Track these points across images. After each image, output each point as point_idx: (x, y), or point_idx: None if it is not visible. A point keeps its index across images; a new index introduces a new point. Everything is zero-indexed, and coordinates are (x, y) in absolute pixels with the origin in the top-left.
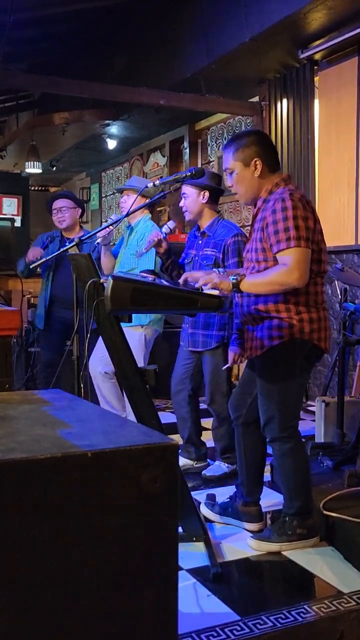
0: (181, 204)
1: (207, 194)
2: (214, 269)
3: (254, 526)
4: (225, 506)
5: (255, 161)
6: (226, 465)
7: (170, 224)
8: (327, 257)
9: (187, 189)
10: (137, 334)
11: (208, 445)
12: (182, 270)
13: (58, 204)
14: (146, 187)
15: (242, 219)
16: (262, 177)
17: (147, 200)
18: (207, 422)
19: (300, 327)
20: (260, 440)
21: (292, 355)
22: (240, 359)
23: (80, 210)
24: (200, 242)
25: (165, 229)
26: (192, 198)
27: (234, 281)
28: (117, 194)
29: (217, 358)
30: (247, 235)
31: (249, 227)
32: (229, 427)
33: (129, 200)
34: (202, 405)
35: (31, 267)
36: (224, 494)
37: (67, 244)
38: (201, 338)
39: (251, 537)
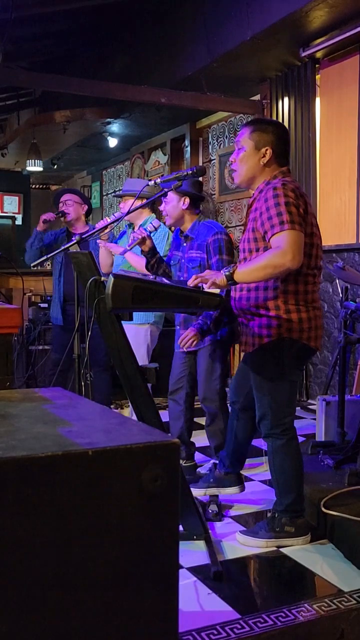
0: (161, 207)
1: (187, 200)
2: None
3: (235, 489)
4: (206, 479)
5: (267, 149)
6: None
7: (155, 222)
8: (322, 253)
9: (168, 194)
10: (143, 330)
11: (201, 444)
12: (168, 268)
13: (64, 197)
14: (147, 185)
15: (244, 217)
16: (267, 166)
17: (146, 200)
18: (200, 420)
19: (288, 326)
20: (252, 425)
21: (281, 354)
22: (194, 340)
23: (86, 207)
24: (184, 244)
25: (149, 227)
26: (172, 204)
27: (227, 273)
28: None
29: (211, 356)
30: (228, 233)
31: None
32: (222, 424)
33: (127, 205)
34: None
35: (32, 265)
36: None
37: (73, 238)
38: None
39: (239, 532)
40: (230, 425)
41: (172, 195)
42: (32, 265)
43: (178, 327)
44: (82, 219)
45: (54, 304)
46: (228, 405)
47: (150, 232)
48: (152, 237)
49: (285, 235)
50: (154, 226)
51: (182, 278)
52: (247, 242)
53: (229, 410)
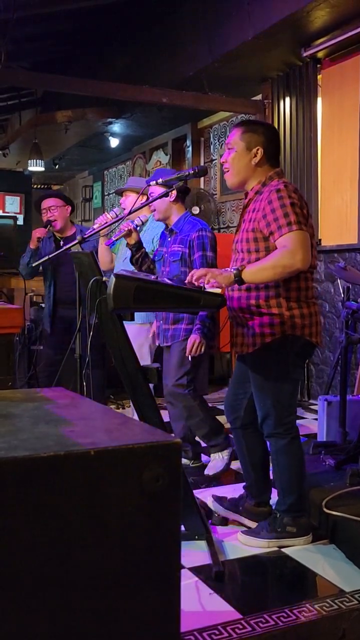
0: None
1: (174, 193)
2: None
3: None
4: (236, 503)
5: (258, 149)
6: (221, 456)
7: (143, 216)
8: (317, 252)
9: (154, 189)
10: (144, 330)
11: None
12: (153, 264)
13: (46, 203)
14: (149, 185)
15: None
16: (258, 166)
17: (147, 199)
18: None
19: (291, 322)
20: (261, 439)
21: (285, 352)
22: (201, 347)
23: (69, 208)
24: (169, 239)
25: (137, 221)
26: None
27: (235, 272)
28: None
29: (183, 350)
30: (212, 231)
31: None
32: (200, 414)
33: (128, 201)
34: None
35: (33, 265)
36: (228, 493)
37: (61, 243)
38: (170, 332)
39: (241, 532)
40: (240, 449)
41: (158, 189)
42: (33, 265)
43: (160, 321)
44: (69, 223)
45: (46, 308)
46: (229, 426)
47: (137, 226)
48: (143, 235)
49: (294, 235)
50: (141, 220)
51: (164, 272)
52: (244, 242)
53: (230, 434)
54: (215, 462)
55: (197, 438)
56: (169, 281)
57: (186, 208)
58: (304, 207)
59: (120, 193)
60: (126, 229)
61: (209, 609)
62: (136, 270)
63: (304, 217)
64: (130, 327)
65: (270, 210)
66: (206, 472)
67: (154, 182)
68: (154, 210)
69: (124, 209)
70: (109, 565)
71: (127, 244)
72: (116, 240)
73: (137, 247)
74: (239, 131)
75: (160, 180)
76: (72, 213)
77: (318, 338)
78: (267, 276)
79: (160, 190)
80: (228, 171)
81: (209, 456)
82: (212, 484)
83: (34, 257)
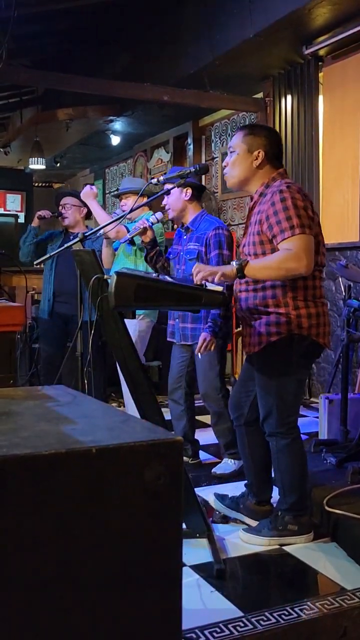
0: (164, 202)
1: (189, 191)
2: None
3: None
4: (237, 501)
5: (259, 152)
6: (233, 461)
7: (158, 214)
8: (325, 250)
9: (169, 187)
10: (131, 325)
11: (211, 442)
12: (167, 262)
13: (64, 200)
14: (150, 183)
15: (246, 215)
16: (259, 168)
17: (147, 199)
18: (204, 418)
19: (298, 322)
20: (264, 438)
21: (290, 352)
22: (211, 345)
23: (85, 210)
24: (184, 237)
25: (152, 219)
26: (174, 196)
27: (237, 266)
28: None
29: (208, 353)
30: (229, 230)
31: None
32: (228, 422)
33: (129, 203)
34: (199, 402)
35: (35, 263)
36: (229, 491)
37: (71, 238)
38: (190, 332)
39: (243, 529)
40: (242, 447)
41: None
42: (35, 263)
43: (177, 320)
44: (81, 222)
45: (43, 298)
46: (232, 423)
47: (152, 224)
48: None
49: (297, 240)
50: (157, 218)
51: (180, 270)
52: (251, 246)
53: (235, 432)
54: (226, 465)
55: (195, 436)
56: (169, 279)
57: (202, 207)
58: (309, 208)
59: (118, 197)
60: (142, 226)
61: (210, 607)
62: (150, 268)
63: (309, 218)
64: None
65: (272, 213)
66: (214, 470)
67: (155, 180)
68: (169, 208)
69: (124, 211)
70: (109, 563)
71: (142, 242)
72: (131, 237)
73: (152, 245)
74: (241, 134)
75: (161, 178)
76: (89, 216)
77: (326, 339)
78: (269, 275)
79: (175, 189)
80: (227, 174)
81: (218, 457)
82: (214, 482)
83: (32, 236)
